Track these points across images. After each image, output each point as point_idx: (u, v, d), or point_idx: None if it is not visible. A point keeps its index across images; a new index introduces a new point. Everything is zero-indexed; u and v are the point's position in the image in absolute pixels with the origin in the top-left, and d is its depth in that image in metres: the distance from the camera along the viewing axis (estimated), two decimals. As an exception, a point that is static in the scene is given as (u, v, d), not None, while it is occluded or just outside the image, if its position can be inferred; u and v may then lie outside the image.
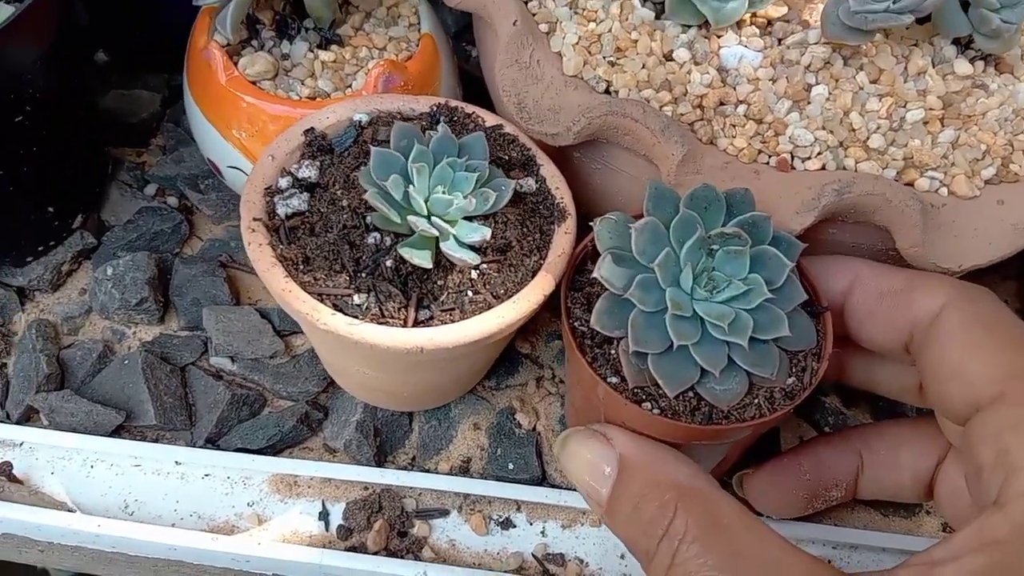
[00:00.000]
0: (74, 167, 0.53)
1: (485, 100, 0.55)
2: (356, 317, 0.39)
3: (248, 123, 0.49)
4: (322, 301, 0.39)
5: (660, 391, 0.38)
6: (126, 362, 0.51)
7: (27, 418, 0.51)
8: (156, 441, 0.51)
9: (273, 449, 0.50)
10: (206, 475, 0.50)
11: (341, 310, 0.39)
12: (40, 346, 0.51)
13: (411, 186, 0.40)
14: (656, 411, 0.38)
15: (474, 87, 0.57)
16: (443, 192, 0.40)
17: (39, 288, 0.55)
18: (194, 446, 0.50)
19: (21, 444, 0.51)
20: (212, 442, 0.50)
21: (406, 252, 0.39)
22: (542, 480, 0.50)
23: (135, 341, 0.54)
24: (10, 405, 0.51)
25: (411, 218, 0.39)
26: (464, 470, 0.50)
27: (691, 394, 0.38)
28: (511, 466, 0.49)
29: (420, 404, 0.51)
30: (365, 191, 0.40)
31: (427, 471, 0.50)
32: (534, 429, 0.51)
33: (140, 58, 0.65)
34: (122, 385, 0.50)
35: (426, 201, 0.40)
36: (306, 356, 0.53)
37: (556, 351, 0.54)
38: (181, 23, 0.58)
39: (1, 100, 0.44)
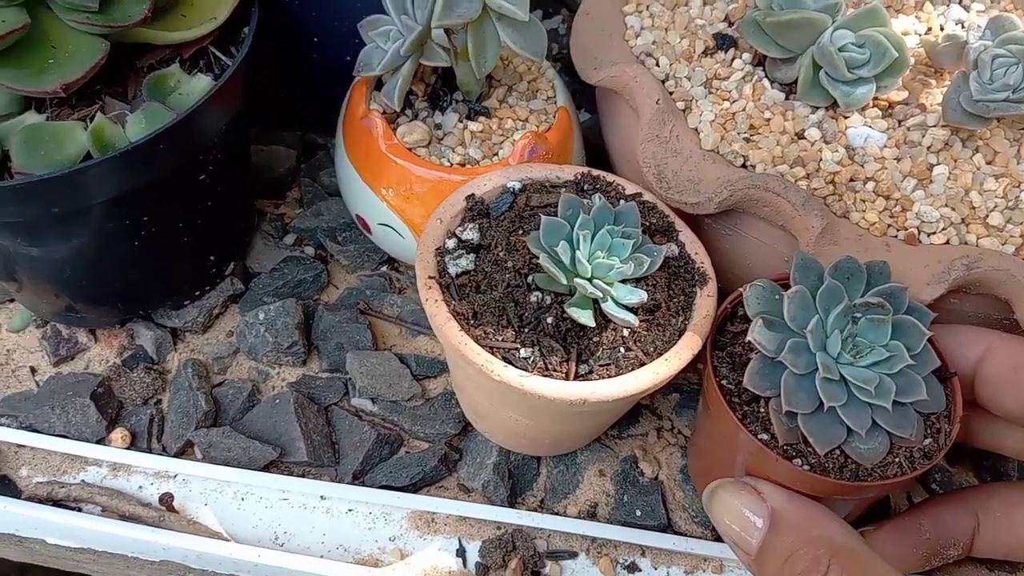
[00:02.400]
0: (234, 219, 0.58)
1: (599, 160, 0.59)
2: (525, 370, 0.43)
3: (399, 184, 0.53)
4: (493, 354, 0.43)
5: (809, 448, 0.41)
6: (277, 401, 0.55)
7: (182, 452, 0.55)
8: (303, 476, 0.54)
9: (414, 487, 0.53)
10: (349, 510, 0.53)
11: (510, 363, 0.43)
12: (196, 384, 0.55)
13: (577, 251, 0.43)
14: (806, 467, 0.41)
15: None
16: (603, 257, 0.44)
17: (191, 329, 0.59)
18: (341, 482, 0.53)
19: (175, 476, 0.54)
20: (357, 478, 0.53)
21: (573, 311, 0.43)
22: (667, 527, 0.52)
23: (279, 381, 0.58)
24: (167, 439, 0.55)
25: (577, 280, 0.43)
26: (591, 514, 0.53)
27: (838, 452, 0.41)
28: (638, 512, 0.52)
29: (555, 450, 0.54)
30: (531, 254, 0.44)
31: (556, 514, 0.53)
32: (656, 478, 0.54)
33: (276, 116, 0.70)
34: (273, 423, 0.54)
35: (589, 264, 0.44)
36: (440, 399, 0.56)
37: (674, 403, 0.57)
38: (315, 83, 0.64)
39: (192, 162, 0.49)
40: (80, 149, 0.43)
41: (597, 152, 0.62)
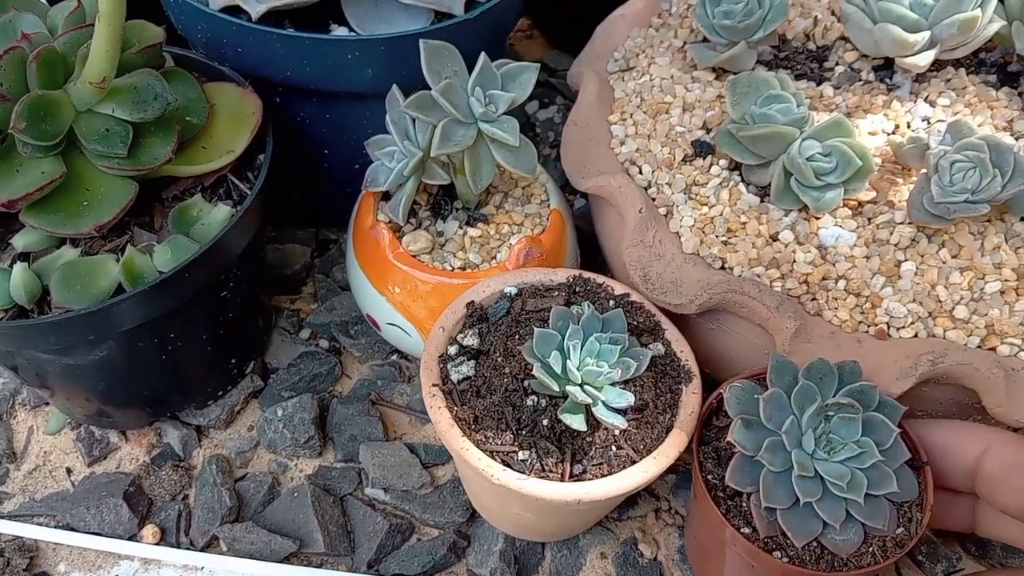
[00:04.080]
0: (252, 321, 0.62)
1: (593, 246, 0.63)
2: (523, 472, 0.46)
3: (405, 288, 0.57)
4: (493, 458, 0.47)
5: (788, 541, 0.44)
6: (295, 494, 0.58)
7: (208, 545, 0.58)
8: (320, 566, 0.57)
9: (425, 575, 0.56)
10: (365, 598, 0.56)
11: (509, 465, 0.46)
12: (220, 480, 0.59)
13: (568, 360, 0.47)
14: (785, 559, 0.44)
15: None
16: (592, 364, 0.47)
17: (214, 426, 0.63)
18: (356, 571, 0.57)
19: (203, 568, 0.58)
20: (372, 567, 0.57)
21: (566, 417, 0.46)
22: (666, 607, 0.55)
23: (297, 473, 0.61)
24: (194, 534, 0.58)
25: (569, 387, 0.46)
26: (594, 596, 0.56)
27: (815, 544, 0.44)
28: (638, 594, 0.55)
29: (557, 537, 0.57)
30: (526, 361, 0.48)
31: (561, 596, 0.56)
32: (655, 559, 0.57)
33: (291, 217, 0.74)
34: (292, 515, 0.58)
35: (579, 371, 0.47)
36: (448, 487, 0.60)
37: (671, 484, 0.61)
38: (327, 187, 0.68)
39: (215, 281, 0.53)
40: (112, 281, 0.48)
41: (590, 240, 0.66)
